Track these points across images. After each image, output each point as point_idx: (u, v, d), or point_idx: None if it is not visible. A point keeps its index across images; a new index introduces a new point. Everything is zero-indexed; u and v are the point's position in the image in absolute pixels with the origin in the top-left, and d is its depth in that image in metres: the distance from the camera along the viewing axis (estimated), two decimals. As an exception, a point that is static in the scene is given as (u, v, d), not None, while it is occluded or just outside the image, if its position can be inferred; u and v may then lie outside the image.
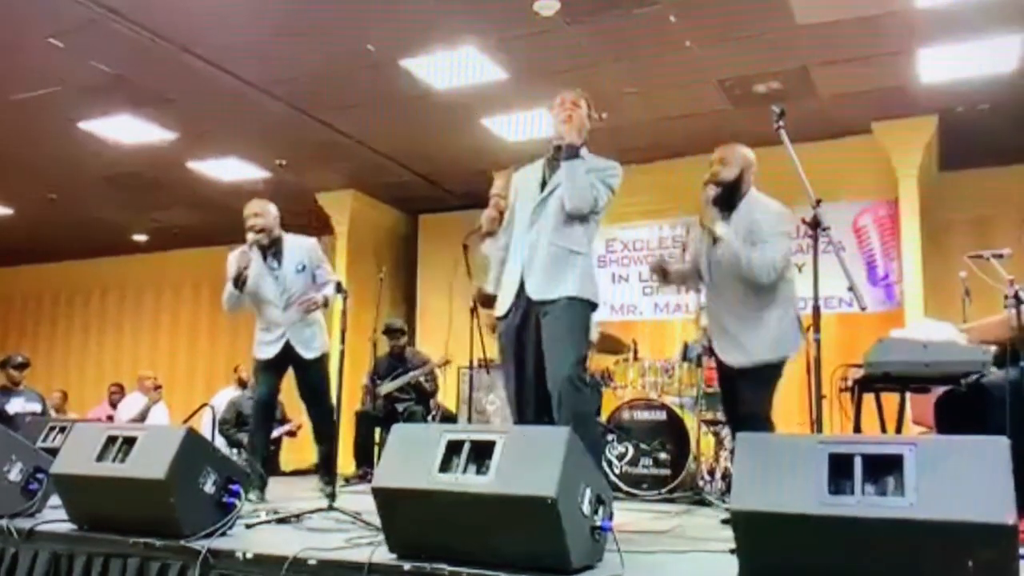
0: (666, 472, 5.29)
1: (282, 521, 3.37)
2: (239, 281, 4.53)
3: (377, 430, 6.88)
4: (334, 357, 4.55)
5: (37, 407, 7.02)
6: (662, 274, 3.98)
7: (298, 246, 4.81)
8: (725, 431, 5.50)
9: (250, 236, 4.57)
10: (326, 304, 4.74)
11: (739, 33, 5.92)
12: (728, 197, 3.70)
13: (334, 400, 4.47)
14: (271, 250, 4.70)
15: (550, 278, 3.37)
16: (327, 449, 4.81)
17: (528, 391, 3.40)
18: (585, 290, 3.39)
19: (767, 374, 3.68)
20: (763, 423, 3.61)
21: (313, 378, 4.81)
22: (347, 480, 6.12)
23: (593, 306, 3.46)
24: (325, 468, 4.69)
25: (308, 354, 4.73)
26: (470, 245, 5.24)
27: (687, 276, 4.00)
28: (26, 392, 7.12)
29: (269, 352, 4.68)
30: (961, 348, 3.56)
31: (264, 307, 4.71)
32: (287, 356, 4.70)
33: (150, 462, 2.94)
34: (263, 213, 4.63)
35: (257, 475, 4.50)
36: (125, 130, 7.69)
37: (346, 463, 6.61)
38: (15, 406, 6.85)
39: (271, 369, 4.73)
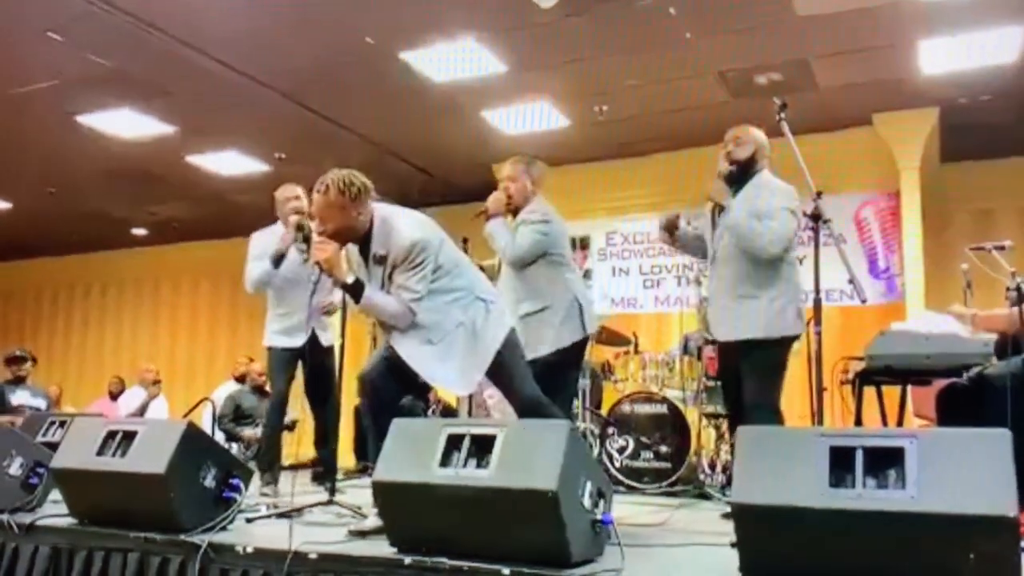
0: (667, 465, 5.29)
1: (282, 515, 3.37)
2: (279, 259, 4.52)
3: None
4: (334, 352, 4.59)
5: (42, 403, 7.00)
6: (671, 229, 3.92)
7: None
8: (726, 424, 5.50)
9: (293, 218, 4.46)
10: (344, 305, 4.73)
11: (739, 25, 5.90)
12: (739, 176, 3.71)
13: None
14: (302, 234, 4.61)
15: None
16: (330, 453, 4.81)
17: None
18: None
19: (763, 356, 3.57)
20: (770, 414, 3.47)
21: (327, 369, 4.74)
22: (347, 474, 6.11)
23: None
24: (327, 473, 4.64)
25: (325, 342, 4.72)
26: (470, 238, 5.24)
27: (692, 241, 3.95)
28: (31, 388, 7.10)
29: (296, 341, 4.59)
30: (962, 340, 3.56)
31: (290, 290, 4.61)
32: (308, 346, 4.62)
33: (150, 456, 2.94)
34: (302, 196, 4.60)
35: (274, 468, 4.54)
36: (124, 124, 7.66)
37: (346, 457, 6.60)
38: (19, 398, 6.83)
39: (294, 361, 4.68)
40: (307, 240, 4.59)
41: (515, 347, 3.25)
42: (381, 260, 3.09)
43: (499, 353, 3.15)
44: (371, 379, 3.14)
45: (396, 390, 3.21)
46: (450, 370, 3.12)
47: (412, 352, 3.09)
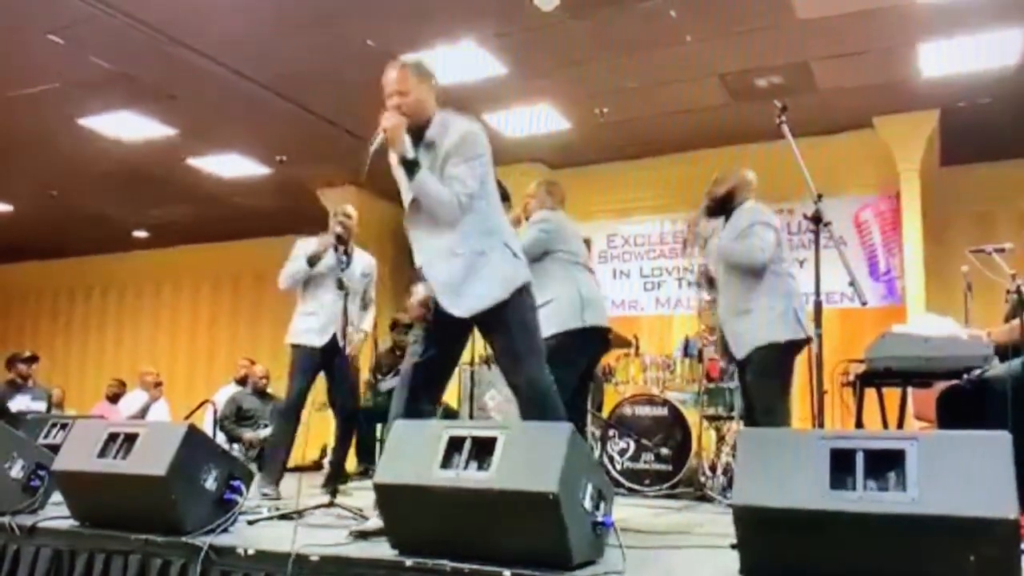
0: (668, 468, 5.29)
1: (284, 517, 3.38)
2: (315, 260, 4.74)
3: (379, 426, 6.87)
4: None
5: (42, 406, 7.00)
6: (709, 281, 4.36)
7: (366, 256, 5.16)
8: (727, 426, 5.50)
9: (338, 228, 4.82)
10: (366, 337, 5.05)
11: (740, 28, 5.91)
12: (719, 209, 4.16)
13: None
14: (344, 247, 4.87)
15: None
16: (342, 458, 4.91)
17: None
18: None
19: (763, 361, 3.84)
20: (772, 414, 3.67)
21: (349, 373, 4.88)
22: (349, 476, 6.11)
23: None
24: (334, 478, 4.66)
25: (347, 348, 4.77)
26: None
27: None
28: (33, 390, 7.10)
29: (322, 339, 4.68)
30: (963, 343, 3.56)
31: (321, 292, 4.79)
32: (331, 348, 4.71)
33: (151, 459, 2.94)
34: (354, 215, 4.98)
35: (278, 471, 4.56)
36: (125, 126, 7.68)
37: (348, 459, 6.60)
38: (19, 404, 6.83)
39: (318, 362, 4.73)
40: (347, 252, 4.83)
41: (528, 309, 3.07)
42: (432, 146, 3.14)
43: (511, 298, 2.99)
44: (416, 381, 3.11)
45: (432, 397, 3.21)
46: (461, 295, 2.99)
47: (436, 268, 3.05)
